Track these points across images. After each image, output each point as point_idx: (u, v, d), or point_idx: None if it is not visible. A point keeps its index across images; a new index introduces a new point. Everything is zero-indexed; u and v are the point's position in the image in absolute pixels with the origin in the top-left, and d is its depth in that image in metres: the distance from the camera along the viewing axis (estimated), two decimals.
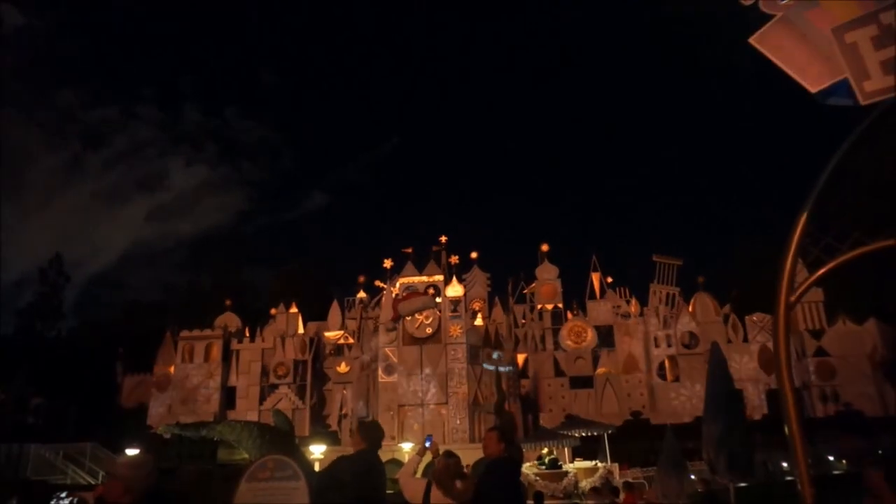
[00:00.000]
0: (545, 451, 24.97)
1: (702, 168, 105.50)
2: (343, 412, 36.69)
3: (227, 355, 43.14)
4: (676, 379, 41.23)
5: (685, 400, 40.19)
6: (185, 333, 43.37)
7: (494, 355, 33.90)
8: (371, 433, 5.19)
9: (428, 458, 5.77)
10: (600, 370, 42.35)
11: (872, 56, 2.95)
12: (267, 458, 4.96)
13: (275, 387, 41.65)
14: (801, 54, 3.22)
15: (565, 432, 26.11)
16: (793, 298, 3.51)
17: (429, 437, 5.98)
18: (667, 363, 42.03)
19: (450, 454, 5.50)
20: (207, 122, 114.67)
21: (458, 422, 31.35)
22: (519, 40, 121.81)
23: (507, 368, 34.50)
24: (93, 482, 22.29)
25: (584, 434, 26.81)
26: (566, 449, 26.68)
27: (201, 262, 56.17)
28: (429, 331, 34.30)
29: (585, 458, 26.29)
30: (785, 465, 23.78)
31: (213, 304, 46.77)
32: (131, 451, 18.66)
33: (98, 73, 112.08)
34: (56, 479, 22.92)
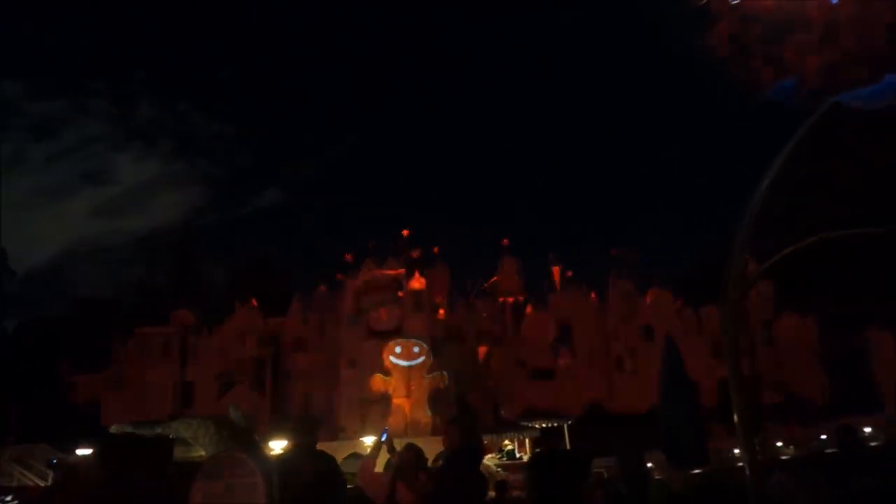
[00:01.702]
0: (506, 442, 25.28)
1: (666, 164, 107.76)
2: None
3: (183, 352, 42.17)
4: (634, 371, 42.13)
5: (643, 391, 41.13)
6: (139, 330, 42.22)
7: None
8: (308, 425, 5.14)
9: (385, 453, 5.78)
10: (561, 362, 42.96)
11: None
12: (222, 455, 4.88)
13: (233, 384, 40.94)
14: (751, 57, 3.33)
15: (525, 423, 26.49)
16: (739, 291, 3.63)
17: (384, 432, 5.98)
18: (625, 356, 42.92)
19: (411, 447, 5.52)
20: (161, 117, 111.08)
21: (420, 415, 31.43)
22: (478, 32, 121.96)
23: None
24: (42, 484, 21.54)
25: (543, 425, 27.24)
26: (526, 440, 27.08)
27: (154, 259, 54.65)
28: (391, 325, 34.27)
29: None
30: (736, 451, 24.61)
31: (167, 300, 45.61)
32: (83, 451, 18.11)
33: (46, 64, 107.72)
34: (2, 482, 22.05)
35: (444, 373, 32.04)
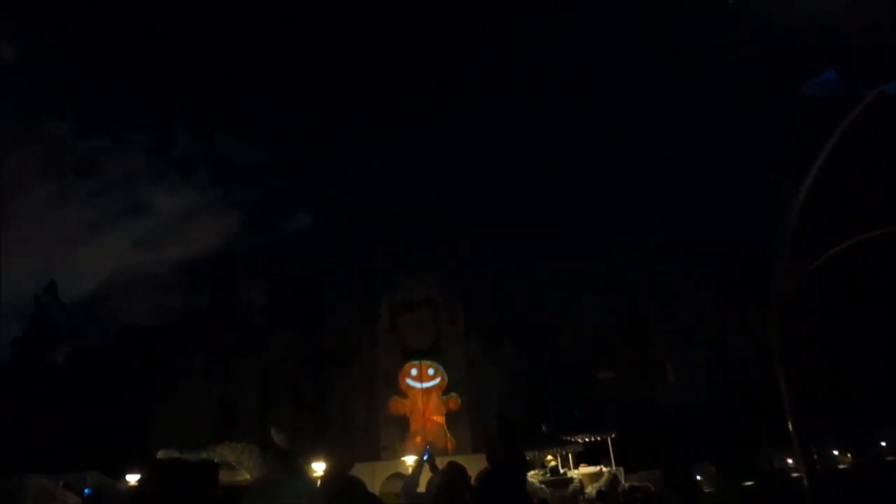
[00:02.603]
0: (549, 458, 24.87)
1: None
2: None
3: (227, 374, 42.84)
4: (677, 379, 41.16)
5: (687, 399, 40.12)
6: (182, 355, 43.09)
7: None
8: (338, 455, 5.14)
9: (427, 471, 5.71)
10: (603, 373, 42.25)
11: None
12: (266, 478, 4.89)
13: (275, 405, 41.34)
14: None
15: (568, 438, 26.00)
16: (790, 288, 3.49)
17: (426, 450, 5.92)
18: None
19: (453, 465, 5.44)
20: (196, 148, 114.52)
21: (461, 431, 31.19)
22: (503, 61, 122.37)
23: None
24: None
25: (586, 439, 26.71)
26: (570, 455, 26.56)
27: (194, 284, 55.82)
28: (426, 343, 34.24)
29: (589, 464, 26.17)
30: (790, 461, 23.75)
31: (208, 325, 46.49)
32: (132, 477, 18.46)
33: (89, 103, 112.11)
34: None
35: (455, 395, 32.14)
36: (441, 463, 5.67)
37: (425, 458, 5.87)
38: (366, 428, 33.20)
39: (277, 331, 45.13)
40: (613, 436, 27.21)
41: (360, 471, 16.69)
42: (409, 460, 25.21)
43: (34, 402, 39.54)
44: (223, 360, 43.27)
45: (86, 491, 23.45)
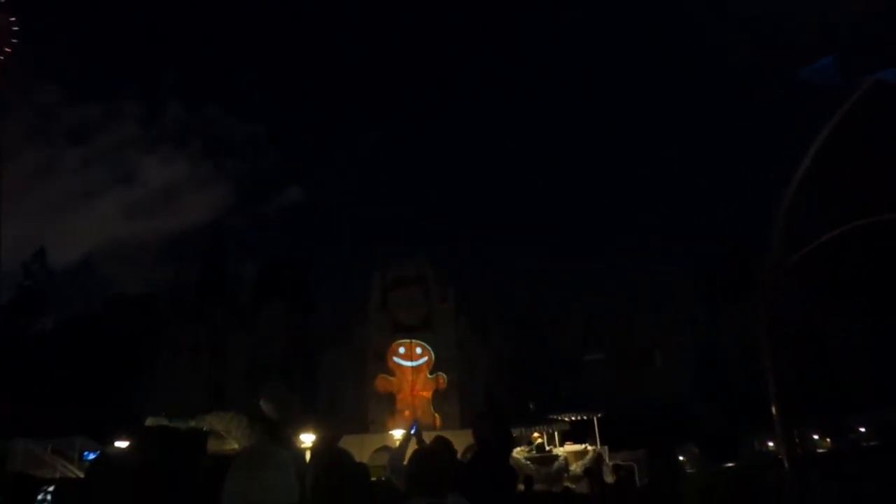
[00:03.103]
0: (535, 435, 25.18)
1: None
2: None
3: (216, 347, 42.90)
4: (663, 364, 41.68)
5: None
6: (170, 327, 43.09)
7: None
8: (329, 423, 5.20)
9: (414, 445, 5.78)
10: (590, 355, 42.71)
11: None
12: (254, 447, 4.92)
13: (263, 380, 41.50)
14: None
15: (555, 417, 26.32)
16: (776, 277, 3.51)
17: (414, 424, 5.98)
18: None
19: (439, 439, 5.51)
20: (189, 120, 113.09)
21: (449, 408, 31.52)
22: (507, 41, 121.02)
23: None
24: (81, 475, 22.15)
25: (573, 418, 27.05)
26: (556, 433, 26.91)
27: (184, 257, 55.62)
28: (417, 320, 34.39)
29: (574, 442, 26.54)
30: (771, 445, 24.18)
31: (197, 298, 46.42)
32: (120, 444, 18.51)
33: (80, 70, 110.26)
34: (44, 473, 22.74)
35: (443, 374, 32.43)
36: (428, 438, 5.74)
37: (412, 431, 5.93)
38: (355, 402, 33.46)
39: (267, 305, 45.15)
40: (599, 416, 27.57)
41: (349, 443, 16.85)
42: (397, 434, 25.50)
43: (21, 369, 39.52)
44: (212, 333, 43.30)
45: (86, 455, 23.56)
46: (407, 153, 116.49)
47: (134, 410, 34.60)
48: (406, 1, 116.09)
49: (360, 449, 23.59)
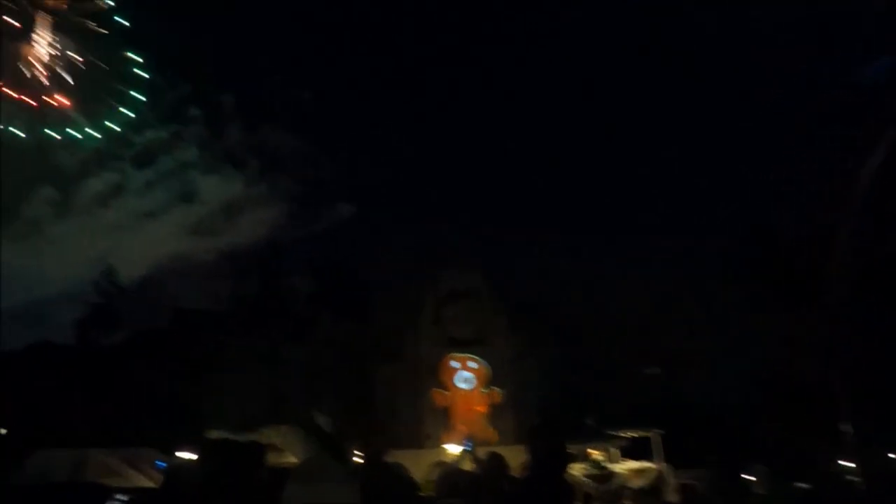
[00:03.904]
0: (593, 452, 24.62)
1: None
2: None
3: (274, 360, 43.90)
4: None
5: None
6: (230, 341, 44.35)
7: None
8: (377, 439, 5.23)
9: (469, 461, 5.74)
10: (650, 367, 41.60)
11: None
12: (311, 461, 4.99)
13: (320, 393, 42.15)
14: None
15: (612, 432, 25.67)
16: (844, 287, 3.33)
17: (468, 441, 5.95)
18: None
19: (493, 456, 5.46)
20: (246, 140, 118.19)
21: (504, 423, 31.22)
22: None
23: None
24: (152, 485, 23.00)
25: (632, 434, 26.34)
26: (614, 449, 26.24)
27: (243, 272, 57.30)
28: (470, 333, 34.32)
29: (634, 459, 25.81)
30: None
31: (256, 312, 47.69)
32: (186, 455, 19.14)
33: (149, 97, 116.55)
34: (116, 482, 23.71)
35: (498, 388, 32.10)
36: (483, 454, 5.68)
37: (467, 448, 5.91)
38: (410, 416, 33.55)
39: (323, 319, 45.94)
40: (659, 432, 26.73)
41: (404, 458, 16.88)
42: (452, 449, 25.40)
43: (94, 382, 41.50)
44: (271, 346, 44.33)
45: (158, 464, 24.54)
46: (457, 168, 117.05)
47: (199, 422, 35.81)
48: (452, 25, 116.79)
49: (416, 464, 23.55)
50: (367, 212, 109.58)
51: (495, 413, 31.94)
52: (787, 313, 40.49)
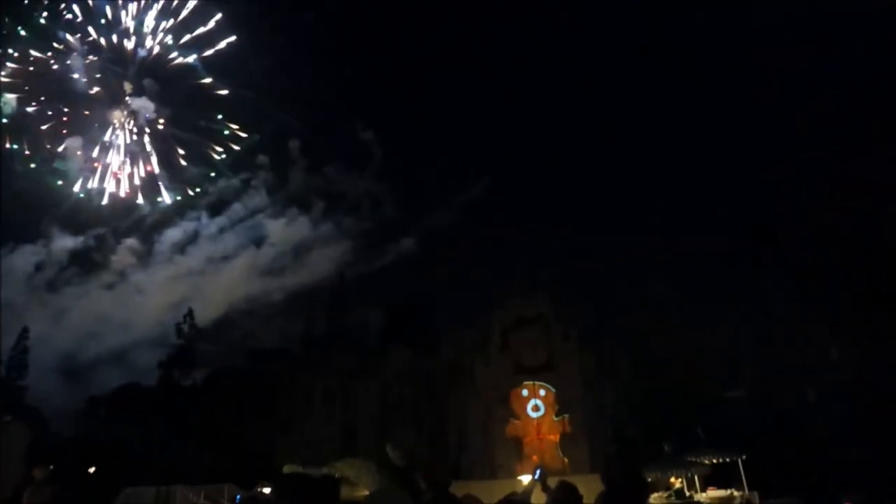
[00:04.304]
0: (673, 480, 23.58)
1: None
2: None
3: (345, 395, 44.63)
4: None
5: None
6: (303, 377, 45.45)
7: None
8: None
9: (539, 491, 5.64)
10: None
11: None
12: (382, 493, 5.05)
13: (391, 425, 42.43)
14: None
15: (693, 459, 24.48)
16: None
17: (538, 469, 5.87)
18: None
19: (564, 485, 5.34)
20: (311, 183, 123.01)
21: (577, 451, 30.40)
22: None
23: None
24: None
25: (714, 461, 25.03)
26: (696, 477, 25.00)
27: (313, 309, 59.02)
28: (539, 360, 33.84)
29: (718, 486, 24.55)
30: None
31: (326, 348, 48.82)
32: (263, 490, 19.64)
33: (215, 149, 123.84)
34: None
35: (569, 416, 31.32)
36: (554, 483, 5.57)
37: (537, 477, 5.82)
38: (481, 446, 33.18)
39: (392, 353, 46.44)
40: (744, 458, 25.30)
41: (477, 489, 16.69)
42: (525, 479, 24.87)
43: (177, 421, 43.32)
44: (342, 380, 45.09)
45: (237, 498, 25.41)
46: (519, 197, 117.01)
47: (274, 457, 36.64)
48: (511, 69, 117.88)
49: (489, 495, 23.23)
50: (428, 245, 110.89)
51: (567, 441, 31.13)
52: (883, 328, 37.90)
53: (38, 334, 56.02)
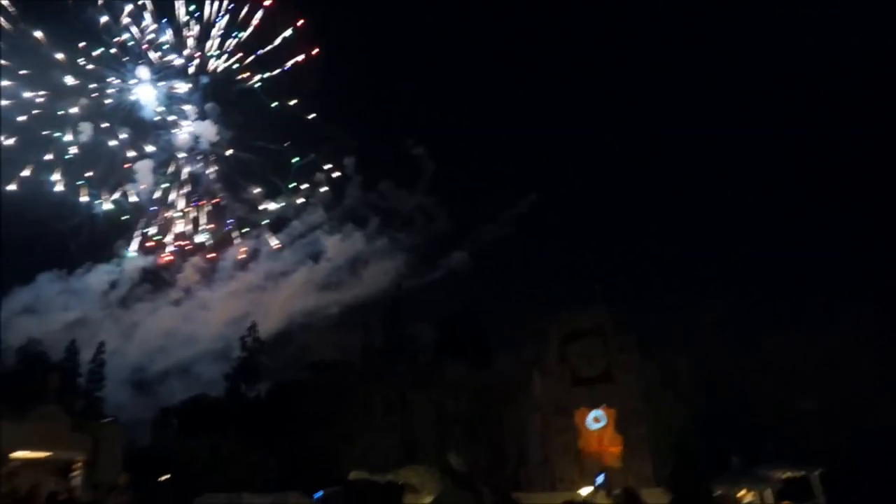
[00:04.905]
0: (743, 493, 22.78)
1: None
2: None
3: (404, 405, 45.12)
4: None
5: None
6: (362, 388, 46.20)
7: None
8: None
9: (603, 496, 5.69)
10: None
11: None
12: (446, 498, 5.21)
13: (450, 435, 42.54)
14: None
15: (765, 472, 23.58)
16: None
17: (601, 475, 5.93)
18: None
19: (628, 492, 5.38)
20: (366, 199, 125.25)
21: (639, 464, 29.75)
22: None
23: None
24: None
25: (788, 475, 24.03)
26: (768, 492, 24.04)
27: (370, 322, 60.04)
28: (596, 371, 33.42)
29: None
30: None
31: (384, 360, 49.55)
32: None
33: (276, 169, 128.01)
34: None
35: (630, 428, 30.70)
36: (618, 488, 5.61)
37: (599, 483, 5.87)
38: (540, 459, 32.92)
39: (447, 363, 46.68)
40: (821, 471, 24.17)
41: (538, 500, 16.64)
42: (585, 492, 24.53)
43: (243, 432, 44.76)
44: (400, 391, 45.57)
45: (315, 495, 26.13)
46: (576, 208, 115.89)
47: (336, 465, 37.39)
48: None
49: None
50: (480, 258, 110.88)
51: (630, 454, 30.48)
52: None
53: (112, 348, 58.94)
